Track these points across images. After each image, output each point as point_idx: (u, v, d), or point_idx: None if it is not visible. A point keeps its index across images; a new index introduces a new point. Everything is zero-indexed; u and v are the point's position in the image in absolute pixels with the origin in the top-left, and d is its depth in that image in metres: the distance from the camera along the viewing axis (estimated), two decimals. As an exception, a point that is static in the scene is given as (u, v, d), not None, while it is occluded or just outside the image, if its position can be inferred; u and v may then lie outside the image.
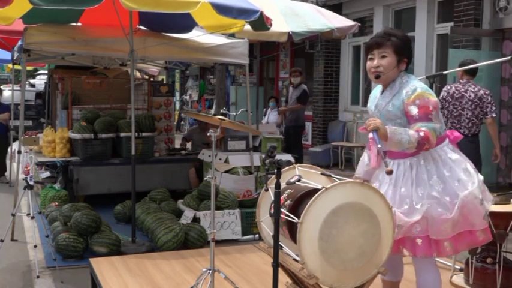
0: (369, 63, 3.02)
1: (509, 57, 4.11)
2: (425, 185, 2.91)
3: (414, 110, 2.84)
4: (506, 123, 8.38)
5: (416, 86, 2.89)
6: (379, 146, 2.71)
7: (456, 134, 3.11)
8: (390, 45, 2.95)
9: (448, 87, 6.19)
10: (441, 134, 2.95)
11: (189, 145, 8.87)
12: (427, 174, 2.92)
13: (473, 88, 6.01)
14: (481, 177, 3.03)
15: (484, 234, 2.98)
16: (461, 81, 6.09)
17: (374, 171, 3.14)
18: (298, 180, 2.84)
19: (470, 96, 5.97)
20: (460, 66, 5.91)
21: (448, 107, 6.07)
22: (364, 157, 3.23)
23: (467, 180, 2.90)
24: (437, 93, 8.62)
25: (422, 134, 2.78)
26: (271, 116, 10.86)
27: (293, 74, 9.76)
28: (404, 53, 2.98)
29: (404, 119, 2.91)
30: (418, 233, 2.87)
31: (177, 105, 19.03)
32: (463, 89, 6.02)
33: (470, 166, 2.98)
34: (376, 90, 3.14)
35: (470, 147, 5.58)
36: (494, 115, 6.01)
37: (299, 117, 9.78)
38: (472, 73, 6.07)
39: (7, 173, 9.37)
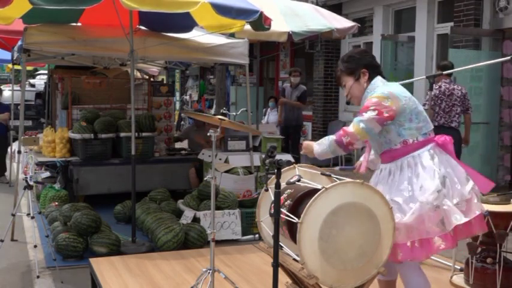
0: None
1: (509, 57, 4.12)
2: (395, 190, 2.96)
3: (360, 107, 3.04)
4: (510, 122, 8.37)
5: (382, 90, 3.00)
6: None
7: (443, 139, 3.05)
8: (341, 73, 3.20)
9: (439, 85, 6.68)
10: (418, 139, 2.97)
11: (183, 144, 8.84)
12: (399, 180, 2.97)
13: (458, 86, 6.78)
14: (469, 187, 2.97)
15: (441, 240, 2.89)
16: (445, 80, 6.76)
17: (378, 160, 3.24)
18: (298, 180, 2.85)
19: (458, 93, 6.71)
20: (439, 67, 6.72)
21: (441, 103, 6.69)
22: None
23: (428, 187, 2.87)
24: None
25: (341, 131, 2.96)
26: (271, 116, 10.85)
27: (293, 74, 9.76)
28: (357, 68, 3.13)
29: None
30: None
31: (177, 105, 19.02)
32: (451, 87, 6.73)
33: (439, 174, 2.91)
34: None
35: (455, 138, 5.75)
36: (471, 109, 6.96)
37: (299, 117, 9.79)
38: (449, 74, 6.73)
39: (7, 173, 9.37)
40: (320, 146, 3.06)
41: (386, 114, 2.92)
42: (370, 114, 2.92)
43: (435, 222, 2.88)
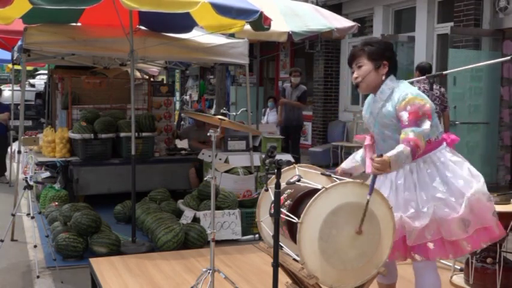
0: (352, 76, 3.12)
1: (509, 57, 4.12)
2: (428, 187, 2.93)
3: (405, 116, 2.86)
4: (510, 122, 8.37)
5: (407, 92, 2.91)
6: (369, 196, 2.72)
7: (453, 136, 3.12)
8: (363, 54, 3.03)
9: (418, 86, 6.82)
10: (438, 138, 2.99)
11: (184, 143, 8.84)
12: (428, 177, 2.94)
13: (436, 86, 7.03)
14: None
15: (498, 228, 3.00)
16: (425, 81, 6.81)
17: (360, 168, 3.21)
18: (298, 180, 2.84)
19: (437, 93, 6.96)
20: (417, 68, 7.20)
21: None
22: (357, 155, 3.27)
23: (471, 179, 2.92)
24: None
25: (412, 143, 2.78)
26: (271, 116, 10.85)
27: (293, 74, 9.75)
28: (381, 57, 3.01)
29: (398, 125, 2.92)
30: (430, 237, 2.89)
31: (177, 105, 19.01)
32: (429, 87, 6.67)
33: (472, 167, 3.00)
34: (370, 97, 3.17)
35: None
36: (449, 108, 7.29)
37: (299, 117, 9.79)
38: (425, 74, 6.76)
39: (7, 173, 9.36)
40: (397, 164, 2.78)
41: (431, 117, 2.89)
42: (426, 122, 2.84)
43: (491, 211, 2.94)
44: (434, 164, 2.95)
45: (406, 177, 2.98)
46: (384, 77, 3.01)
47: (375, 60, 3.00)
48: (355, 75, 3.07)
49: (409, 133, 2.80)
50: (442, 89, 7.16)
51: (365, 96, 3.28)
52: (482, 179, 2.96)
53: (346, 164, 3.30)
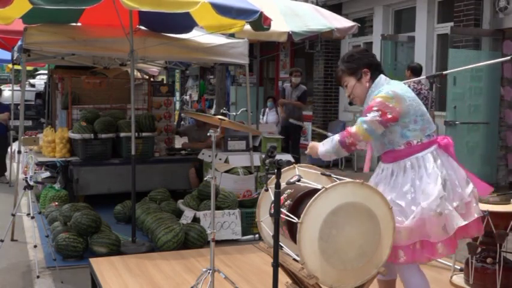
0: None
1: (509, 57, 4.12)
2: (398, 191, 2.94)
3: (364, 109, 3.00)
4: (511, 122, 8.37)
5: (381, 89, 2.99)
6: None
7: (446, 140, 3.05)
8: (343, 73, 3.14)
9: (408, 85, 7.18)
10: (423, 140, 2.96)
11: (183, 140, 8.84)
12: (402, 181, 2.94)
13: (424, 86, 7.36)
14: (470, 189, 2.98)
15: (443, 247, 2.91)
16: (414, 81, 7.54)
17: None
18: (298, 180, 2.84)
19: (424, 92, 7.22)
20: (409, 68, 7.63)
21: None
22: None
23: (431, 192, 2.86)
24: (439, 93, 8.69)
25: (344, 132, 2.94)
26: (270, 116, 10.85)
27: (294, 74, 9.74)
28: (358, 68, 3.09)
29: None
30: None
31: (177, 105, 19.01)
32: (418, 87, 7.32)
33: (446, 177, 2.91)
34: None
35: None
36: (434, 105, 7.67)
37: (300, 117, 9.79)
38: (417, 74, 7.46)
39: (7, 173, 9.36)
40: (324, 146, 3.05)
41: (389, 116, 2.90)
42: (373, 115, 2.90)
43: (438, 227, 2.87)
44: (413, 168, 2.94)
45: (386, 177, 3.03)
46: (368, 84, 3.09)
47: (354, 74, 3.11)
48: (346, 94, 3.21)
49: (354, 124, 2.96)
50: (427, 88, 7.37)
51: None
52: (436, 193, 2.83)
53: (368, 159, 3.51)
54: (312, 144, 3.13)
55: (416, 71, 7.55)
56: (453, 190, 2.92)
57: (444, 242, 2.90)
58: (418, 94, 7.29)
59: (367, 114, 2.92)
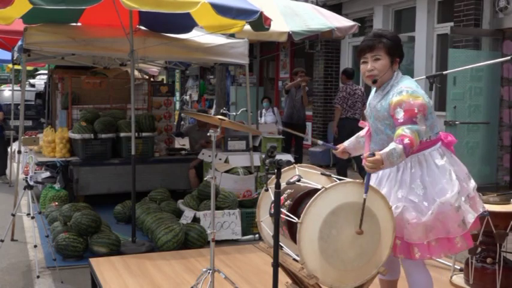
0: (363, 66, 3.03)
1: (509, 57, 4.11)
2: (406, 187, 2.91)
3: (400, 113, 2.81)
4: (509, 122, 8.37)
5: (402, 88, 2.87)
6: (365, 195, 2.70)
7: (450, 138, 3.05)
8: (382, 47, 2.95)
9: (344, 88, 8.87)
10: (431, 138, 2.95)
11: (184, 141, 8.84)
12: (410, 177, 2.92)
13: (359, 87, 8.94)
14: (472, 184, 3.00)
15: (462, 241, 2.93)
16: (349, 83, 8.89)
17: (361, 149, 3.20)
18: (298, 180, 2.85)
19: (359, 93, 8.80)
20: (343, 73, 9.10)
21: (347, 101, 8.75)
22: (359, 136, 3.28)
23: (446, 187, 2.87)
24: (439, 93, 8.69)
25: (407, 141, 2.72)
26: (268, 117, 10.85)
27: (300, 74, 9.72)
28: (395, 53, 2.98)
29: (391, 120, 2.90)
30: (396, 234, 2.88)
31: (177, 105, 19.01)
32: (354, 88, 8.87)
33: (455, 172, 2.93)
34: (374, 89, 3.14)
35: (357, 126, 7.87)
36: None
37: (303, 116, 9.79)
38: (350, 76, 8.99)
39: (7, 173, 9.36)
40: (389, 160, 2.72)
41: (425, 114, 2.85)
42: (422, 120, 2.80)
43: (457, 222, 2.87)
44: (421, 165, 2.92)
45: (391, 173, 2.98)
46: (393, 73, 2.99)
47: (391, 55, 2.96)
48: (370, 67, 2.96)
49: (405, 130, 2.76)
50: (363, 89, 8.85)
51: (366, 96, 3.30)
52: (457, 188, 2.86)
53: (348, 143, 3.31)
54: (375, 159, 2.71)
55: (349, 74, 8.97)
56: (460, 185, 2.93)
57: (463, 236, 2.91)
58: (354, 94, 8.78)
59: (414, 119, 2.77)
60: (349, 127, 8.14)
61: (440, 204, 2.83)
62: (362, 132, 3.28)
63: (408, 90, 2.85)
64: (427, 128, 2.90)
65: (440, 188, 2.87)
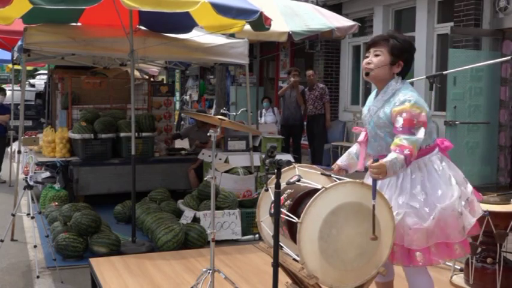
0: (364, 60, 3.06)
1: (509, 57, 4.12)
2: (407, 193, 2.91)
3: (399, 121, 2.82)
4: (505, 122, 8.37)
5: (406, 98, 2.85)
6: (374, 201, 2.68)
7: (447, 143, 3.06)
8: (386, 45, 2.96)
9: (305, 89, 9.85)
10: (430, 144, 2.95)
11: (184, 143, 8.84)
12: (410, 184, 2.91)
13: (320, 85, 9.94)
14: (470, 188, 3.00)
15: (460, 248, 2.93)
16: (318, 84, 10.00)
17: (356, 165, 3.18)
18: (298, 180, 2.84)
19: (316, 94, 9.76)
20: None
21: (308, 100, 9.79)
22: (353, 149, 3.26)
23: (447, 192, 2.87)
24: (439, 93, 8.68)
25: (407, 152, 2.73)
26: (268, 117, 10.84)
27: (293, 74, 9.71)
28: (400, 55, 2.95)
29: (392, 128, 2.89)
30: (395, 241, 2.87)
31: (177, 105, 19.01)
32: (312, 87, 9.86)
33: (454, 177, 2.93)
34: (374, 93, 3.14)
35: (321, 121, 10.02)
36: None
37: (301, 116, 9.80)
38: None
39: (7, 173, 9.35)
40: (393, 170, 2.73)
41: (425, 126, 2.84)
42: (421, 131, 2.80)
43: (459, 228, 2.87)
44: (421, 171, 2.92)
45: (391, 179, 2.97)
46: (393, 76, 2.98)
47: (393, 56, 2.95)
48: (368, 60, 3.00)
49: (403, 140, 2.76)
50: (321, 86, 9.98)
51: (365, 96, 3.27)
52: (457, 193, 2.87)
53: (341, 161, 3.28)
54: (380, 165, 2.70)
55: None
56: (460, 190, 2.93)
57: (461, 243, 2.92)
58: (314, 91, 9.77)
59: (413, 131, 2.78)
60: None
61: (442, 210, 2.83)
62: (353, 149, 3.26)
63: (411, 100, 2.85)
64: (426, 136, 2.90)
65: (441, 194, 2.87)
